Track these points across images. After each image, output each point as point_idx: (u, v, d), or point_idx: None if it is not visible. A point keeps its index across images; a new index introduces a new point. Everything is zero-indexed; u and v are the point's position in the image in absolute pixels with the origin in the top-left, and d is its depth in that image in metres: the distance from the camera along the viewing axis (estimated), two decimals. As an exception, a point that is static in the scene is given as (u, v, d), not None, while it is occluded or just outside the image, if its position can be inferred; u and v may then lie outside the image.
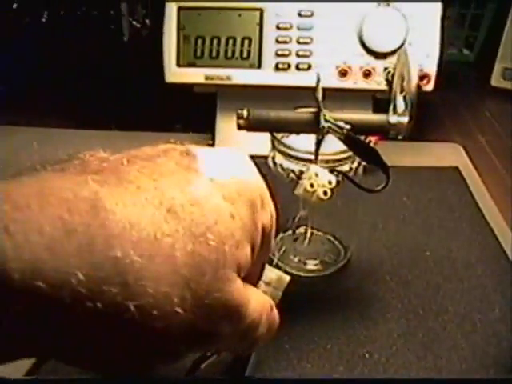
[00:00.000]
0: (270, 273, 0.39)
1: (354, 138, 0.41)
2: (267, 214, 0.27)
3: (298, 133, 0.44)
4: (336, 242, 0.54)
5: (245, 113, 0.42)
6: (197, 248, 0.23)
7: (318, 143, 0.42)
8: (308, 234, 0.52)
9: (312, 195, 0.40)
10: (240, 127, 0.42)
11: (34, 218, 0.20)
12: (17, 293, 0.19)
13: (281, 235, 0.54)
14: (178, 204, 0.23)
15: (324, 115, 0.41)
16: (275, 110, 0.45)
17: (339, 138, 0.41)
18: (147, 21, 1.06)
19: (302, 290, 0.49)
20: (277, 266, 0.34)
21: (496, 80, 0.91)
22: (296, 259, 0.53)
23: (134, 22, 1.06)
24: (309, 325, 0.46)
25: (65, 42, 0.98)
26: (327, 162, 0.43)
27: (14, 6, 1.00)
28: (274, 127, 0.44)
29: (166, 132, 0.73)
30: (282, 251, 0.53)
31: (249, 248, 0.25)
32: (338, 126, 0.41)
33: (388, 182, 0.41)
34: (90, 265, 0.20)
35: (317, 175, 0.40)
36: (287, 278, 0.38)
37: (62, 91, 0.87)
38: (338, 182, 0.41)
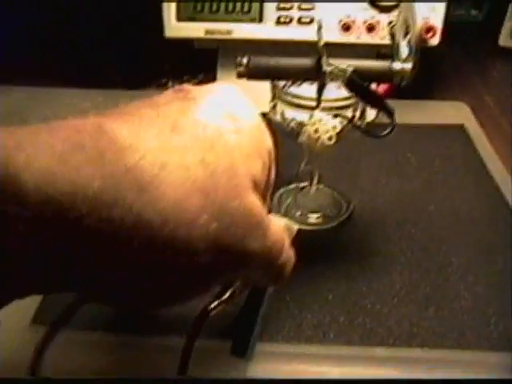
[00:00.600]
0: (278, 222, 0.38)
1: (357, 81, 0.40)
2: (270, 141, 0.27)
3: (299, 79, 0.43)
4: (338, 196, 0.54)
5: (244, 60, 0.41)
6: (207, 157, 0.23)
7: (320, 89, 0.41)
8: (310, 188, 0.51)
9: (316, 141, 0.40)
10: (240, 75, 0.41)
11: (43, 138, 0.20)
12: (31, 203, 0.19)
13: (283, 189, 0.54)
14: (181, 124, 0.23)
15: (326, 60, 0.40)
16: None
17: (342, 82, 0.40)
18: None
19: (303, 243, 0.48)
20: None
21: (504, 40, 0.89)
22: (298, 213, 0.52)
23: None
24: (310, 277, 0.46)
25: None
26: (330, 108, 0.42)
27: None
28: (274, 74, 0.43)
29: (165, 88, 0.73)
30: (284, 205, 0.52)
31: (259, 163, 0.25)
32: (341, 70, 0.40)
33: (393, 126, 0.40)
34: (102, 174, 0.20)
35: (321, 121, 0.39)
36: (295, 227, 0.38)
37: (61, 48, 0.86)
38: (342, 127, 0.40)
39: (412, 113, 0.69)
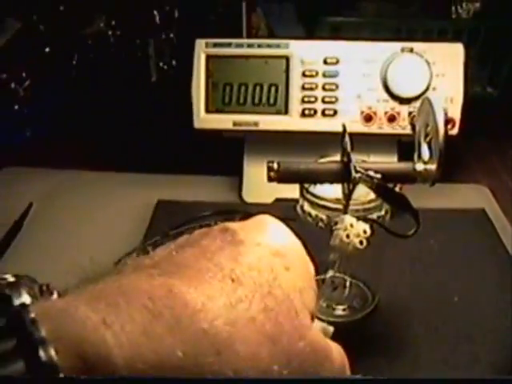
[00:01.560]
0: (315, 325, 0.40)
1: (384, 186, 0.42)
2: (312, 266, 0.29)
3: (327, 183, 0.45)
4: (364, 288, 0.55)
5: (275, 165, 0.43)
6: (268, 304, 0.24)
7: (350, 193, 0.43)
8: (337, 280, 0.53)
9: (348, 245, 0.41)
10: (270, 179, 0.43)
11: (123, 311, 0.22)
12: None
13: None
14: (238, 273, 0.25)
15: (354, 166, 0.42)
16: (304, 159, 0.46)
17: (369, 187, 0.42)
18: (173, 62, 1.09)
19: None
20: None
21: (521, 119, 0.91)
22: (324, 304, 0.53)
23: (161, 64, 1.09)
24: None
25: (95, 85, 1.01)
26: (357, 211, 0.44)
27: (47, 49, 1.04)
28: (303, 179, 0.45)
29: (194, 175, 0.75)
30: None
31: (312, 293, 0.27)
32: (369, 176, 0.42)
33: (418, 226, 0.42)
34: (182, 340, 0.22)
35: (352, 225, 0.41)
36: (331, 329, 0.39)
37: (91, 134, 0.90)
38: (372, 231, 0.42)
39: (432, 197, 0.70)
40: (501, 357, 0.48)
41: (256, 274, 0.25)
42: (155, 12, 1.05)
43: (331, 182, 0.45)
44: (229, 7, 1.03)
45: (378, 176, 0.42)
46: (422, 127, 0.48)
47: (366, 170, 0.42)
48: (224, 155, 0.73)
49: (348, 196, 0.43)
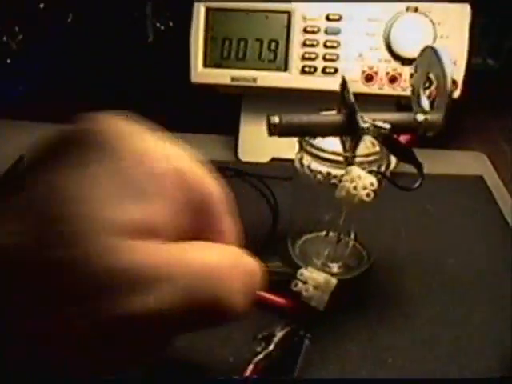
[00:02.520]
0: (318, 276, 0.39)
1: (391, 137, 0.41)
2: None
3: (331, 135, 0.44)
4: (359, 247, 0.54)
5: (276, 119, 0.41)
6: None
7: (356, 144, 0.42)
8: (332, 238, 0.52)
9: (354, 197, 0.40)
10: (271, 133, 0.42)
11: None
12: None
13: (305, 237, 0.54)
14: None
15: (362, 116, 0.41)
16: (306, 113, 0.44)
17: (375, 138, 0.41)
18: (171, 23, 1.07)
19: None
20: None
21: (521, 90, 0.90)
22: (319, 262, 0.52)
23: (158, 24, 1.07)
24: (330, 327, 0.46)
25: (89, 43, 0.99)
26: (361, 163, 0.43)
27: (41, 5, 1.01)
28: (306, 132, 0.44)
29: (189, 133, 0.74)
30: (306, 252, 0.53)
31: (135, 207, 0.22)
32: (377, 126, 0.41)
33: (422, 179, 0.41)
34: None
35: (359, 177, 0.40)
36: (334, 281, 0.38)
37: (85, 92, 0.88)
38: (379, 184, 0.41)
39: (430, 163, 0.68)
40: (492, 317, 0.47)
41: None
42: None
43: (335, 135, 0.44)
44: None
45: (387, 126, 0.41)
46: (420, 78, 0.47)
47: (373, 120, 0.41)
48: (220, 113, 0.71)
49: (354, 147, 0.42)
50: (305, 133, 0.44)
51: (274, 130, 0.41)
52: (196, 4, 0.64)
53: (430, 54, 0.46)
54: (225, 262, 0.25)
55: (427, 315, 0.48)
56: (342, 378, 0.42)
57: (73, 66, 0.95)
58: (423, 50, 0.47)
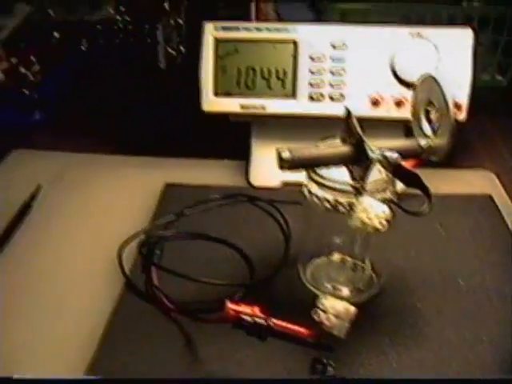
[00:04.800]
0: (338, 305, 0.40)
1: (399, 165, 0.42)
2: None
3: (340, 166, 0.45)
4: (369, 270, 0.55)
5: (287, 154, 0.42)
6: None
7: (365, 174, 0.43)
8: (342, 261, 0.53)
9: (368, 227, 0.42)
10: (282, 167, 0.43)
11: None
12: None
13: (315, 261, 0.56)
14: None
15: (370, 146, 0.42)
16: (311, 143, 0.46)
17: (384, 167, 0.42)
18: (182, 48, 1.09)
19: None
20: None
21: (528, 106, 0.91)
22: (329, 285, 0.54)
23: (169, 50, 1.10)
24: (340, 349, 0.47)
25: (103, 69, 1.02)
26: (370, 191, 0.44)
27: (56, 34, 1.04)
28: (316, 164, 0.45)
29: (199, 159, 0.76)
30: (316, 276, 0.54)
31: None
32: (385, 156, 0.42)
33: (431, 205, 0.42)
34: None
35: (371, 206, 0.41)
36: (354, 309, 0.39)
37: (100, 117, 0.91)
38: (391, 211, 0.42)
39: (438, 182, 0.70)
40: (503, 338, 0.48)
41: None
42: (164, -3, 1.05)
43: (344, 165, 0.45)
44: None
45: (395, 155, 0.42)
46: (421, 105, 0.49)
47: (381, 149, 0.43)
48: (231, 139, 0.73)
49: (363, 177, 0.43)
50: (314, 165, 0.45)
51: (285, 165, 0.42)
52: (205, 34, 0.66)
53: (430, 83, 0.47)
54: None
55: (436, 337, 0.48)
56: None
57: (87, 93, 0.98)
58: (423, 79, 0.49)
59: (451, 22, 0.92)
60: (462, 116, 0.65)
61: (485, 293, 0.53)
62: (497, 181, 0.73)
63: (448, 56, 0.64)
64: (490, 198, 0.68)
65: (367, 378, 0.43)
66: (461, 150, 0.81)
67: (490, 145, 0.83)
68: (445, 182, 0.71)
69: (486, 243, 0.61)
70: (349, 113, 0.46)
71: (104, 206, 0.68)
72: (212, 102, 0.67)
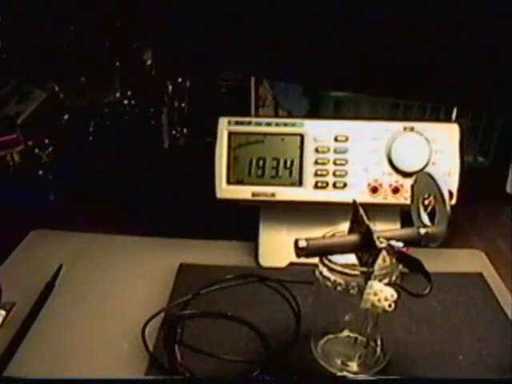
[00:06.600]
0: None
1: (403, 253, 0.48)
2: None
3: (350, 253, 0.51)
4: (375, 346, 0.59)
5: (304, 243, 0.49)
6: None
7: (373, 261, 0.49)
8: (351, 339, 0.58)
9: (378, 308, 0.47)
10: (299, 255, 0.49)
11: None
12: None
13: (326, 338, 0.60)
14: None
15: (378, 237, 0.48)
16: (315, 227, 0.53)
17: (389, 254, 0.48)
18: (185, 130, 1.17)
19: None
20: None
21: (511, 187, 0.98)
22: (339, 361, 0.58)
23: (173, 132, 1.17)
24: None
25: (110, 152, 1.08)
26: (377, 276, 0.50)
27: (66, 116, 1.11)
28: (329, 252, 0.51)
29: (210, 240, 0.81)
30: (326, 353, 0.59)
31: None
32: (391, 245, 0.48)
33: (431, 287, 0.48)
34: None
35: (381, 291, 0.47)
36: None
37: (108, 199, 0.95)
38: (398, 294, 0.48)
39: (431, 261, 0.75)
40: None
41: None
42: (168, 83, 1.14)
43: (354, 252, 0.51)
44: (238, 80, 1.13)
45: (400, 245, 0.48)
46: (419, 198, 0.55)
47: (388, 239, 0.49)
48: (241, 221, 0.79)
49: (372, 263, 0.49)
50: (328, 253, 0.51)
51: (302, 253, 0.48)
52: (219, 128, 0.73)
53: (427, 178, 0.54)
54: None
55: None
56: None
57: (97, 174, 1.03)
58: (420, 175, 0.55)
59: (434, 110, 1.01)
60: (452, 202, 0.71)
61: (485, 370, 0.58)
62: (486, 260, 0.79)
63: (438, 148, 0.71)
64: (481, 275, 0.74)
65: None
66: (451, 230, 0.86)
67: (479, 225, 0.89)
68: (438, 261, 0.76)
69: (480, 320, 0.65)
70: (356, 206, 0.52)
71: (123, 285, 0.72)
72: (225, 190, 0.73)
